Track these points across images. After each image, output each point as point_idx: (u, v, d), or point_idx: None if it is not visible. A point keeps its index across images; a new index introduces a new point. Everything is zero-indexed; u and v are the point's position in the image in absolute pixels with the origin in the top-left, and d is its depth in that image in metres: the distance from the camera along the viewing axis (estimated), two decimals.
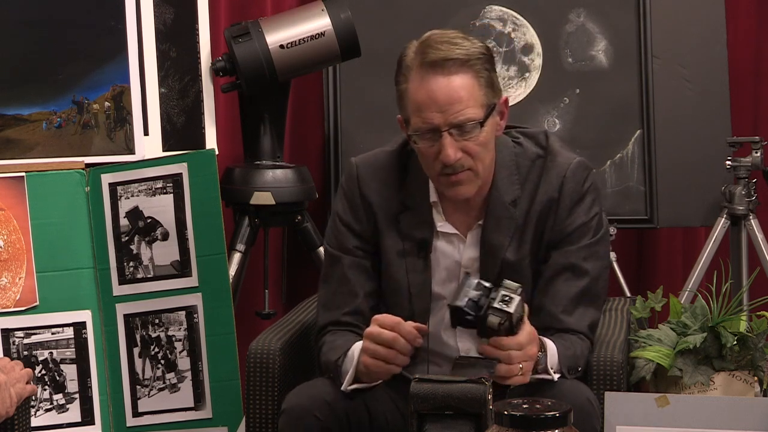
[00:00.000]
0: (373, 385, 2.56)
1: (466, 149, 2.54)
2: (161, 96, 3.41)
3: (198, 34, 3.50)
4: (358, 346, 2.54)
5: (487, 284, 2.39)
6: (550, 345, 2.53)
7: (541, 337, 2.53)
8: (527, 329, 2.42)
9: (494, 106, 2.57)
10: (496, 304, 2.36)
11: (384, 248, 2.68)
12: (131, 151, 3.32)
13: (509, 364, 2.38)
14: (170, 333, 3.16)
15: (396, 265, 2.66)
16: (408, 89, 2.56)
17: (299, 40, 3.48)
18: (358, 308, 2.67)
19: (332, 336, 2.65)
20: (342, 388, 2.54)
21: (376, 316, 2.49)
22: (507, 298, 2.37)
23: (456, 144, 2.53)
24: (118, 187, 3.17)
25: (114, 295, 3.16)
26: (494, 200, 2.63)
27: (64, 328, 3.13)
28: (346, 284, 2.68)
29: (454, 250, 2.67)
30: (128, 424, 3.15)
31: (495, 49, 3.86)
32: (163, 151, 3.38)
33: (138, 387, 3.16)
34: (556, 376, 2.52)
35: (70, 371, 3.13)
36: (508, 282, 2.39)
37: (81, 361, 3.13)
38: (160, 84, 3.41)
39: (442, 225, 2.66)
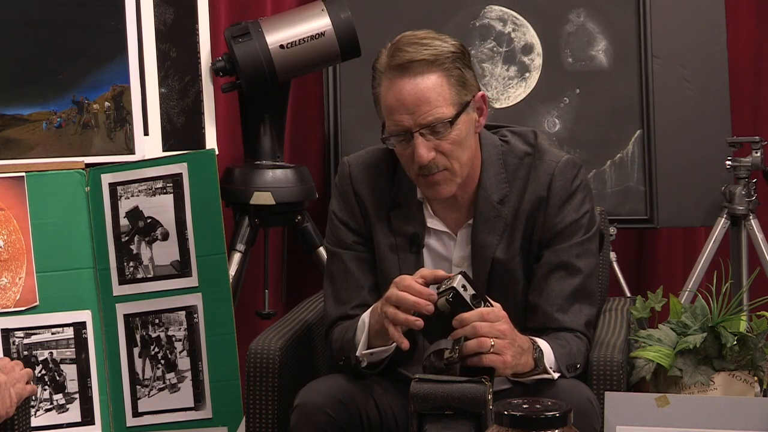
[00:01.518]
0: (389, 350, 2.55)
1: (439, 149, 2.55)
2: (161, 96, 3.41)
3: (198, 34, 3.50)
4: (366, 314, 2.56)
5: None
6: (544, 344, 2.54)
7: (533, 337, 2.53)
8: (492, 308, 2.42)
9: (467, 103, 2.57)
10: (440, 291, 2.40)
11: (377, 244, 2.69)
12: (131, 151, 3.32)
13: (476, 336, 2.37)
14: (170, 333, 3.16)
15: (389, 260, 2.68)
16: (380, 93, 2.59)
17: (299, 40, 3.48)
18: (365, 301, 2.67)
19: (341, 326, 2.66)
20: (357, 353, 2.55)
21: (396, 280, 2.47)
22: (446, 280, 2.41)
23: (428, 144, 2.54)
24: (118, 187, 3.17)
25: (114, 295, 3.16)
26: (482, 199, 2.64)
27: (64, 328, 3.13)
28: (351, 278, 2.69)
29: (445, 248, 2.68)
30: (128, 424, 3.15)
31: (495, 49, 3.86)
32: (163, 151, 3.38)
33: (138, 387, 3.16)
34: (555, 375, 2.52)
35: (70, 371, 3.13)
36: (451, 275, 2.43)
37: (81, 361, 3.13)
38: (160, 84, 3.41)
39: (432, 222, 2.68)
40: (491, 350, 2.37)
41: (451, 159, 2.56)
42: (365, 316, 2.57)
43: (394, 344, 2.52)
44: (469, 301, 2.39)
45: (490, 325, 2.38)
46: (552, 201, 2.63)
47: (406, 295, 2.42)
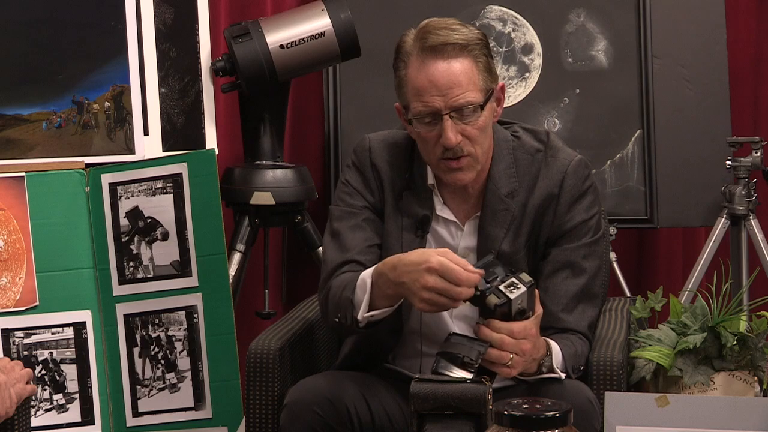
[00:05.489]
0: (392, 311, 2.52)
1: (465, 133, 2.56)
2: (161, 96, 3.41)
3: (198, 34, 3.50)
4: (367, 273, 2.52)
5: (504, 269, 2.39)
6: (554, 345, 2.54)
7: (545, 338, 2.53)
8: (526, 324, 2.41)
9: (492, 91, 2.59)
10: (501, 287, 2.38)
11: (386, 221, 2.70)
12: (131, 151, 3.32)
13: (500, 349, 2.38)
14: (170, 333, 3.16)
15: (393, 237, 2.68)
16: (408, 74, 2.58)
17: (299, 40, 3.48)
18: (371, 250, 2.66)
19: (340, 277, 2.61)
20: (358, 316, 2.50)
21: (442, 250, 2.43)
22: (513, 286, 2.38)
23: (456, 127, 2.55)
24: (118, 187, 3.17)
25: (114, 295, 3.16)
26: (491, 192, 2.65)
27: (64, 328, 3.13)
28: (361, 231, 2.67)
29: (451, 238, 2.68)
30: (128, 424, 3.15)
31: (495, 49, 3.86)
32: (163, 151, 3.38)
33: (138, 387, 3.16)
34: (562, 375, 2.53)
35: (70, 371, 3.13)
36: (522, 274, 2.40)
37: (81, 361, 3.13)
38: (160, 84, 3.41)
39: (441, 209, 2.68)
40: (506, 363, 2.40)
41: (475, 145, 2.58)
42: (366, 276, 2.52)
43: (399, 304, 2.51)
44: (513, 316, 2.39)
45: (515, 343, 2.39)
46: (563, 199, 2.64)
47: (458, 269, 2.38)
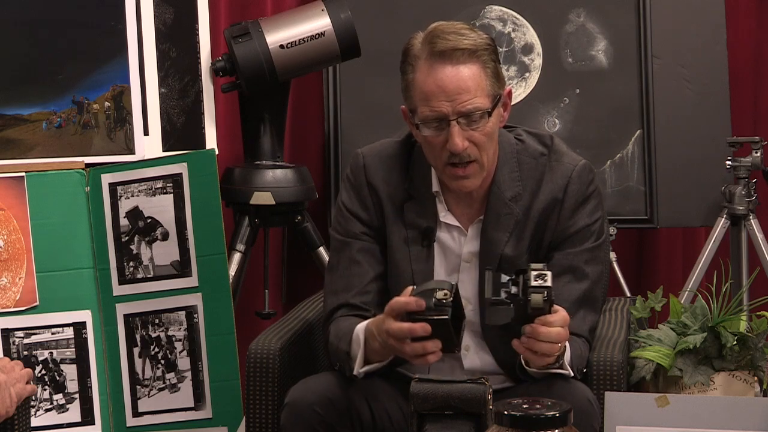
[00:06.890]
0: (385, 363, 2.56)
1: (472, 139, 2.56)
2: (161, 96, 3.41)
3: (198, 34, 3.50)
4: (360, 327, 2.54)
5: (508, 276, 2.38)
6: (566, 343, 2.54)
7: None
8: (565, 313, 2.43)
9: (500, 96, 2.59)
10: (533, 283, 2.36)
11: (389, 235, 2.69)
12: (131, 151, 3.32)
13: (556, 342, 2.39)
14: (170, 333, 3.16)
15: (401, 252, 2.68)
16: (415, 79, 2.57)
17: (299, 40, 3.48)
18: (367, 289, 2.67)
19: (337, 324, 2.64)
20: (354, 372, 2.55)
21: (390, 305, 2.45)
22: (540, 277, 2.37)
23: (463, 133, 2.54)
24: (118, 187, 3.17)
25: (114, 295, 3.16)
26: (494, 196, 2.64)
27: (64, 328, 3.13)
28: (357, 266, 2.68)
29: (455, 243, 2.68)
30: (128, 424, 3.15)
31: None
32: (163, 151, 3.38)
33: (138, 387, 3.16)
34: (572, 373, 2.53)
35: (70, 371, 3.13)
36: (534, 264, 2.39)
37: (81, 361, 3.13)
38: (160, 84, 3.41)
39: (445, 215, 2.68)
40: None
41: (481, 151, 2.58)
42: (360, 332, 2.55)
43: (391, 357, 2.53)
44: (551, 306, 2.39)
45: (562, 332, 2.41)
46: (567, 203, 2.64)
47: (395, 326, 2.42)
